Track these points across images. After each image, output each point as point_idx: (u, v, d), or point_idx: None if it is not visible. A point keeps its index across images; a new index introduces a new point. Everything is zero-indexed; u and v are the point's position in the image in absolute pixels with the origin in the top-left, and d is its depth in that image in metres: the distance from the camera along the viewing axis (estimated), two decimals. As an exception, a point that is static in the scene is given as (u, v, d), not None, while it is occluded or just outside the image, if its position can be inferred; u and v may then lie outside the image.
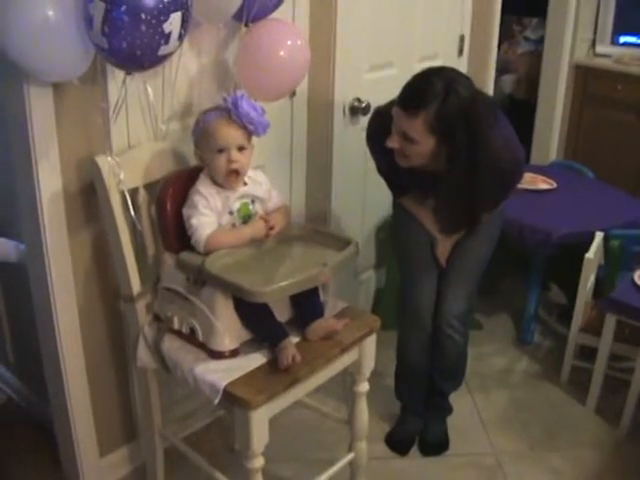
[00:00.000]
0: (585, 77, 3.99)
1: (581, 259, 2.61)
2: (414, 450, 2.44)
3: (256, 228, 1.86)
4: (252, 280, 1.70)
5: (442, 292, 2.28)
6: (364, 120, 2.51)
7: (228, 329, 1.78)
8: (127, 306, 1.93)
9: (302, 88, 2.36)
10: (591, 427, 2.56)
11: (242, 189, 1.87)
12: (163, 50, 1.60)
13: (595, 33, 4.02)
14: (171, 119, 2.01)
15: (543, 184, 3.11)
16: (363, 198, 2.89)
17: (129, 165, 1.86)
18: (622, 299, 2.40)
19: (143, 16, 1.50)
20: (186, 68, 2.00)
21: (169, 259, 1.87)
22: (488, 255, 2.29)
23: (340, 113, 2.65)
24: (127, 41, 1.52)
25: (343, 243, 1.91)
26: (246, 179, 1.89)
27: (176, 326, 1.85)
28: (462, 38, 3.16)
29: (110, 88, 1.84)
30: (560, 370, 2.80)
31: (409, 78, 1.95)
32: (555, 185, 3.12)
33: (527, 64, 4.51)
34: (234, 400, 1.69)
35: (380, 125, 2.07)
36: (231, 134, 1.81)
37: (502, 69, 4.37)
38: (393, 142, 1.98)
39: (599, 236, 2.69)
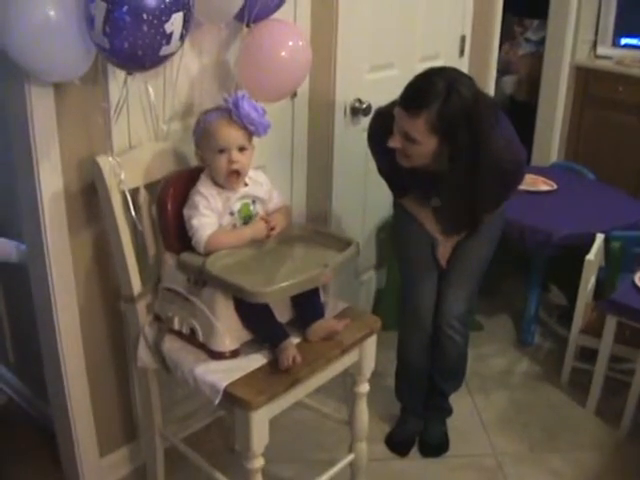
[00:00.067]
0: (586, 79, 3.99)
1: (582, 260, 2.60)
2: (414, 451, 2.44)
3: (257, 229, 1.86)
4: (253, 281, 1.70)
5: (442, 293, 2.27)
6: (365, 121, 2.51)
7: (228, 330, 1.78)
8: (128, 306, 1.93)
9: (303, 88, 2.36)
10: (591, 428, 2.55)
11: (243, 190, 1.87)
12: (164, 50, 1.60)
13: (596, 35, 4.01)
14: (172, 119, 2.00)
15: (544, 185, 3.11)
16: (364, 198, 2.89)
17: (130, 165, 1.86)
18: (623, 301, 2.40)
19: (145, 16, 1.50)
20: (187, 68, 2.00)
21: (170, 259, 1.87)
22: (489, 256, 2.29)
23: (341, 114, 2.64)
24: (128, 41, 1.52)
25: (344, 244, 1.91)
26: (247, 180, 1.88)
27: (176, 326, 1.85)
28: (463, 39, 3.15)
29: (111, 88, 1.84)
30: (560, 371, 2.80)
31: (410, 78, 1.95)
32: (556, 186, 3.11)
33: (528, 65, 4.49)
34: (234, 401, 1.69)
35: (381, 126, 2.07)
36: (232, 134, 1.81)
37: (503, 70, 4.36)
38: (395, 142, 1.97)
39: (600, 237, 2.69)
